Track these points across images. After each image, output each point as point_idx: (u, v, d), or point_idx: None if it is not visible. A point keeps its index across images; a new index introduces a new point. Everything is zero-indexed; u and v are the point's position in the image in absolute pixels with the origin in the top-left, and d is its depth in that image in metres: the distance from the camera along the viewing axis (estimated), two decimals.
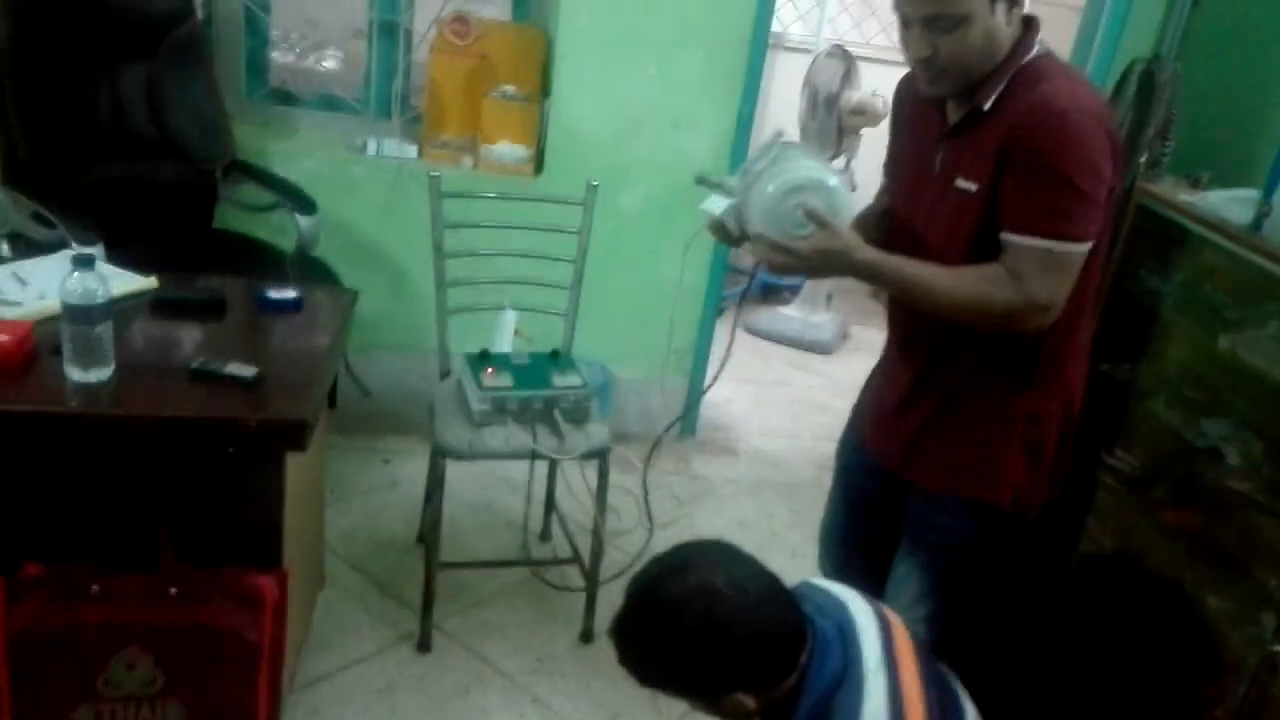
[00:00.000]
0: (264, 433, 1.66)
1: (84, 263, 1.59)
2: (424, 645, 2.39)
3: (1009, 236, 1.49)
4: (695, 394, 3.48)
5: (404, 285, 3.08)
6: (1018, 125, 1.47)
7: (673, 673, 1.39)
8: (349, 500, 2.89)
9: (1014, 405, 1.62)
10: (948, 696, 1.42)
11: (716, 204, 1.71)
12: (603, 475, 2.38)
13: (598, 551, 2.44)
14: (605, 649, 2.51)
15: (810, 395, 4.12)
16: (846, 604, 1.43)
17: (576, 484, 2.61)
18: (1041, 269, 1.47)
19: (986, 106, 1.52)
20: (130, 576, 1.74)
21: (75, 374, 1.63)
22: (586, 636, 2.50)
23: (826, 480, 2.08)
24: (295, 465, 1.83)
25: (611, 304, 3.14)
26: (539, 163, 3.09)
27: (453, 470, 2.31)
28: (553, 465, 2.66)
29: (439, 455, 2.26)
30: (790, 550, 2.95)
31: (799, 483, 3.37)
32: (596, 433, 2.33)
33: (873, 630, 1.38)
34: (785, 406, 3.99)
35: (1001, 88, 1.51)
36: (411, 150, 3.01)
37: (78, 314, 1.58)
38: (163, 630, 1.74)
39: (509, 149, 2.98)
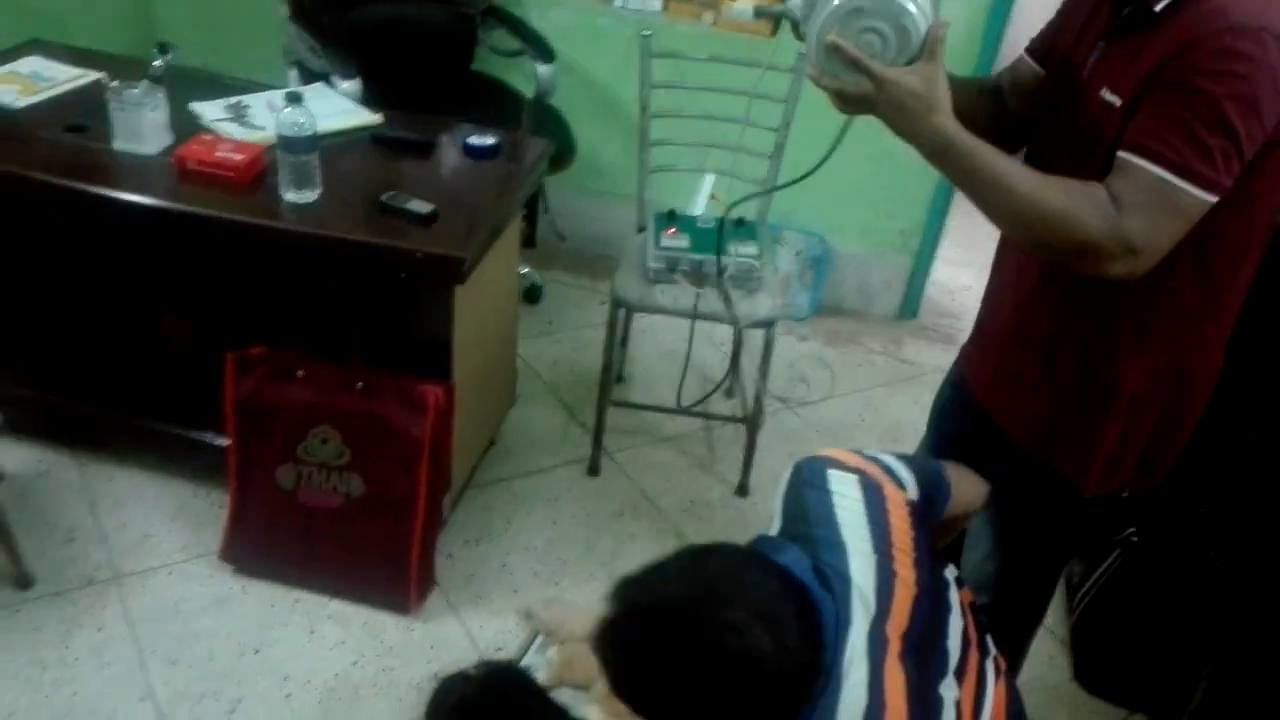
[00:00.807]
0: (428, 264, 1.91)
1: (295, 99, 1.88)
2: (593, 469, 2.66)
3: (1124, 156, 1.23)
4: (920, 275, 3.40)
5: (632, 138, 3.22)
6: (1184, 34, 1.23)
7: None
8: (563, 333, 3.18)
9: (1122, 375, 1.42)
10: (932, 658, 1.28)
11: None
12: (767, 345, 2.46)
13: (757, 415, 2.56)
14: (756, 504, 2.68)
15: None
16: (849, 565, 1.23)
17: (782, 349, 2.69)
18: (1148, 203, 1.20)
19: (1158, 7, 1.27)
20: (328, 366, 2.10)
21: (289, 194, 1.95)
22: (741, 490, 2.65)
23: None
24: (472, 293, 2.08)
25: (837, 176, 3.10)
26: (777, 23, 3.05)
27: (659, 320, 2.47)
28: (737, 329, 2.76)
29: (615, 304, 2.44)
30: None
31: None
32: (764, 303, 2.40)
33: (868, 602, 1.22)
34: None
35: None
36: (656, 3, 3.08)
37: (288, 144, 1.88)
38: (349, 415, 2.09)
39: (746, 8, 2.96)
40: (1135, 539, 2.18)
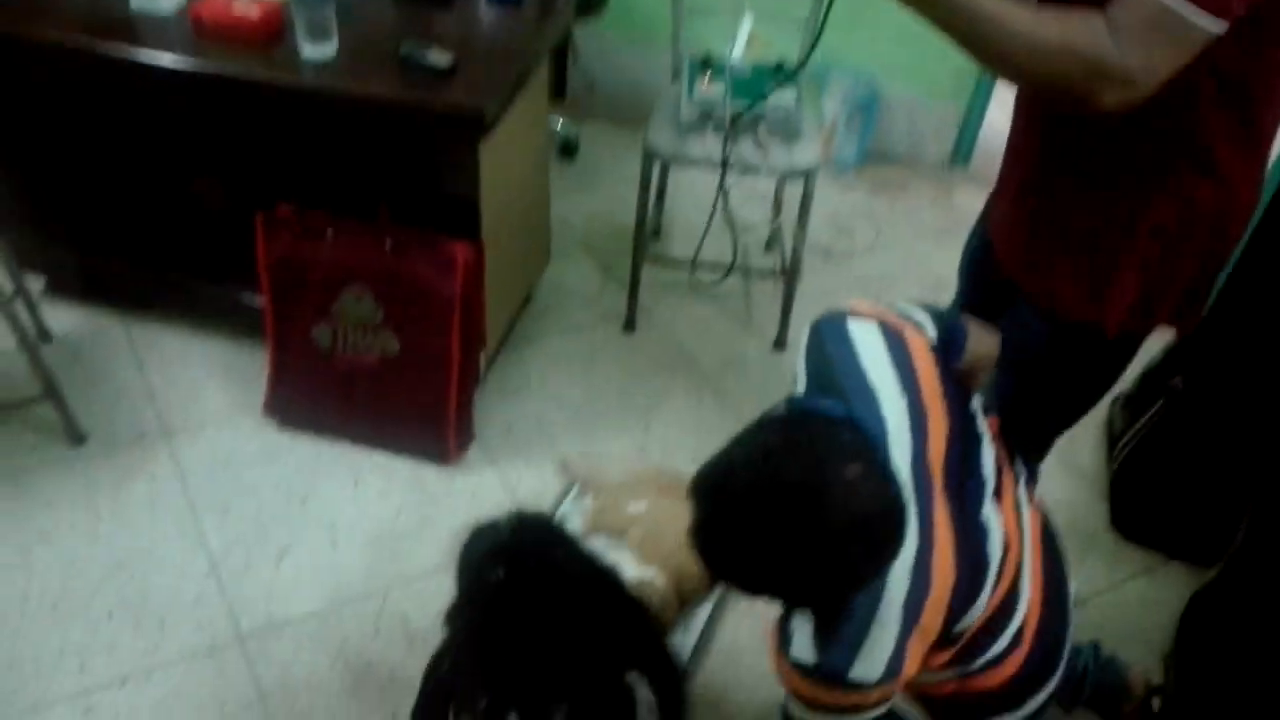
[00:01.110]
0: (449, 118, 1.86)
1: None
2: (629, 325, 2.66)
3: None
4: (974, 120, 3.25)
5: None
6: None
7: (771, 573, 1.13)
8: (599, 188, 3.12)
9: (1141, 211, 1.35)
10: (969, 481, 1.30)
11: None
12: (806, 196, 2.38)
13: (795, 268, 2.50)
14: (791, 359, 2.66)
15: None
16: (881, 409, 1.22)
17: (825, 200, 2.62)
18: (1146, 29, 1.12)
19: None
20: (356, 225, 2.09)
21: (306, 49, 1.89)
22: (779, 345, 2.63)
23: None
24: (499, 147, 2.04)
25: (885, 14, 2.94)
26: None
27: (698, 173, 2.40)
28: (781, 179, 2.68)
29: (647, 156, 2.37)
30: None
31: None
32: (804, 153, 2.32)
33: (904, 443, 1.21)
34: None
35: None
36: None
37: None
38: (379, 273, 2.09)
39: None
40: (1179, 387, 2.14)
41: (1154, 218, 1.35)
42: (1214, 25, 1.11)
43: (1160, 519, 2.17)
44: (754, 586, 1.15)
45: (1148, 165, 1.33)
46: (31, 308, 2.42)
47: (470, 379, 2.25)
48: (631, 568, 1.99)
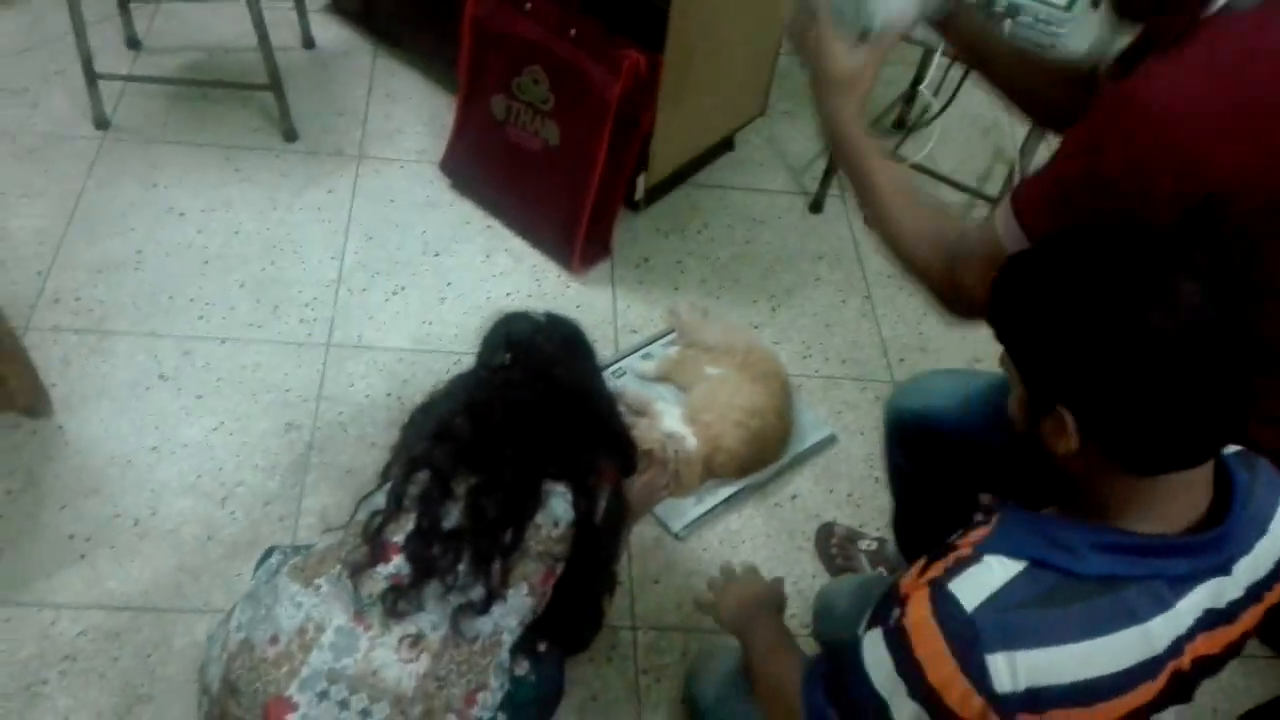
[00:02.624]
0: None
1: None
2: (816, 206, 2.51)
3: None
4: None
5: None
6: None
7: (1043, 329, 0.87)
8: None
9: None
10: None
11: None
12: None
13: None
14: None
15: None
16: None
17: None
18: (984, 263, 1.05)
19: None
20: (552, 6, 2.09)
21: None
22: None
23: None
24: None
25: None
26: None
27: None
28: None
29: None
30: None
31: None
32: None
33: None
34: None
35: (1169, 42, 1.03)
36: None
37: None
38: (557, 60, 2.10)
39: None
40: None
41: None
42: (1008, 227, 1.08)
43: None
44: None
45: None
46: (302, 11, 2.67)
47: (615, 194, 2.23)
48: (674, 422, 1.96)
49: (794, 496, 1.98)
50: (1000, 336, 0.92)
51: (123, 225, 2.26)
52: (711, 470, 1.94)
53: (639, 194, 2.34)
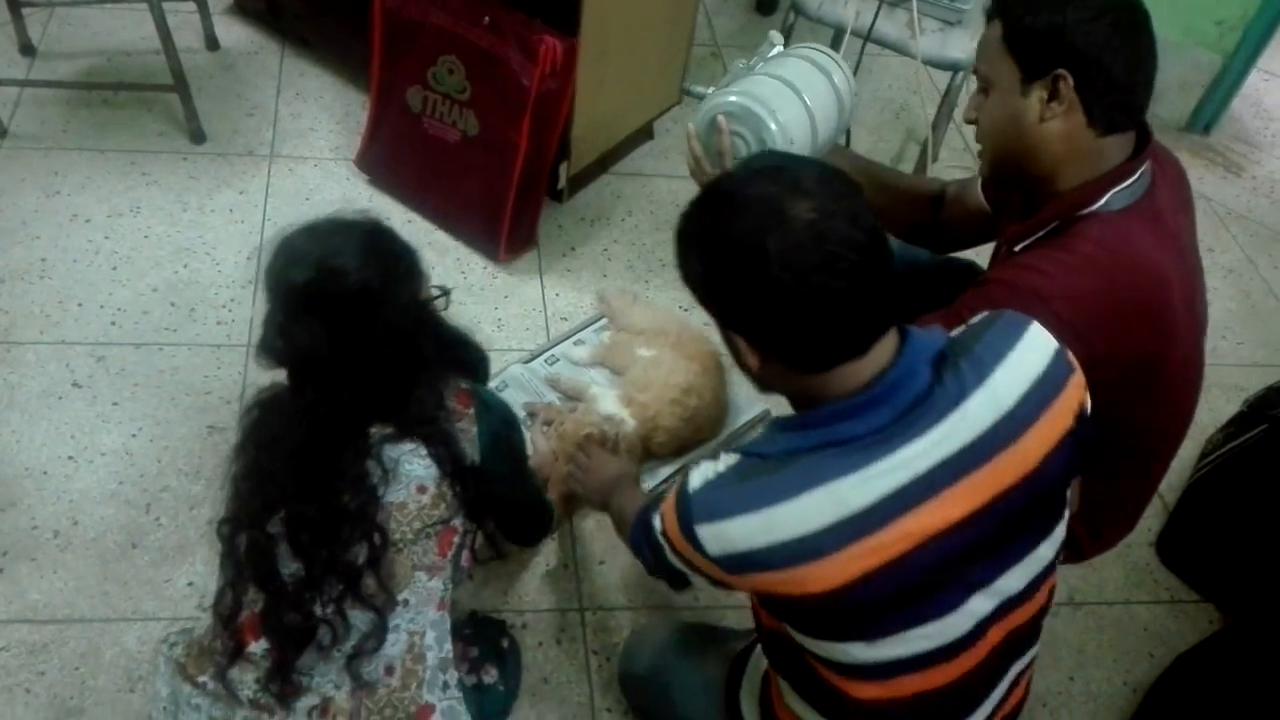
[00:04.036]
0: None
1: None
2: None
3: None
4: (1228, 83, 2.78)
5: None
6: None
7: (695, 271, 1.02)
8: None
9: None
10: None
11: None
12: (948, 93, 2.14)
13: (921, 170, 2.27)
14: None
15: None
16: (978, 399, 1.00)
17: None
18: None
19: (1017, 248, 1.27)
20: None
21: None
22: None
23: None
24: None
25: None
26: None
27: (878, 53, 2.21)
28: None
29: (791, 7, 2.20)
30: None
31: None
32: (958, 44, 2.06)
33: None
34: None
35: (1038, 235, 1.24)
36: None
37: None
38: (473, 48, 2.08)
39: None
40: None
41: None
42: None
43: (1210, 554, 1.84)
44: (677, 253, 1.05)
45: None
46: (205, 13, 2.61)
47: (538, 183, 2.22)
48: (611, 404, 1.95)
49: None
50: (685, 282, 1.05)
51: (25, 234, 2.17)
52: (650, 450, 1.93)
53: (561, 182, 2.34)
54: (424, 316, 1.20)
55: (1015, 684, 1.14)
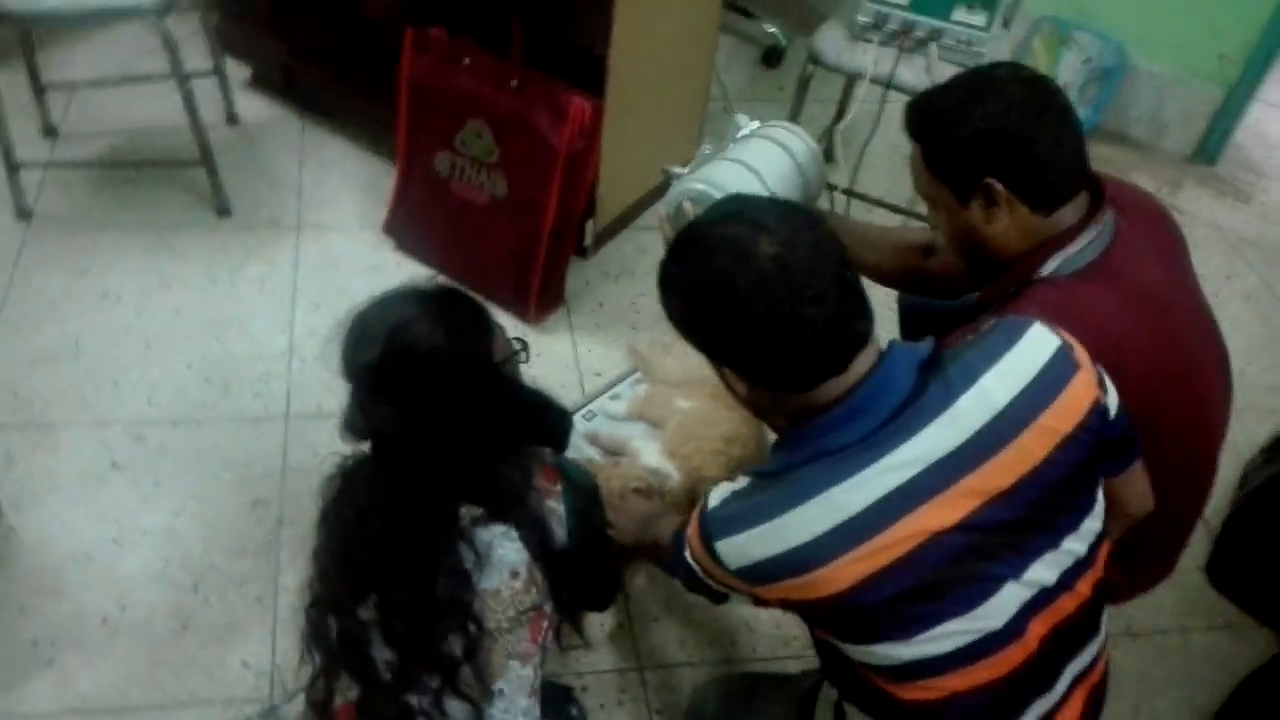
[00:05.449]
0: None
1: None
2: None
3: None
4: (1231, 114, 2.82)
5: None
6: None
7: (677, 312, 1.08)
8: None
9: None
10: None
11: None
12: None
13: None
14: None
15: None
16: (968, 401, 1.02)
17: None
18: None
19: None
20: (491, 58, 2.11)
21: None
22: None
23: None
24: (638, 8, 1.98)
25: None
26: None
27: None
28: None
29: (809, 58, 2.23)
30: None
31: None
32: None
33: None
34: None
35: (1000, 299, 1.26)
36: None
37: None
38: (500, 111, 2.10)
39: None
40: None
41: None
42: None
43: (1261, 577, 1.83)
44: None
45: None
46: (225, 89, 2.63)
47: (566, 242, 2.23)
48: (654, 457, 1.94)
49: None
50: (670, 322, 1.12)
51: (55, 315, 2.16)
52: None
53: (588, 239, 2.35)
54: (500, 376, 1.19)
55: (1072, 688, 1.12)
